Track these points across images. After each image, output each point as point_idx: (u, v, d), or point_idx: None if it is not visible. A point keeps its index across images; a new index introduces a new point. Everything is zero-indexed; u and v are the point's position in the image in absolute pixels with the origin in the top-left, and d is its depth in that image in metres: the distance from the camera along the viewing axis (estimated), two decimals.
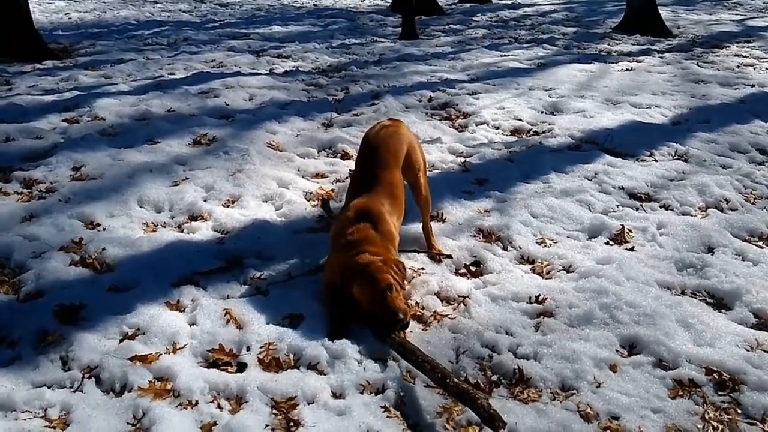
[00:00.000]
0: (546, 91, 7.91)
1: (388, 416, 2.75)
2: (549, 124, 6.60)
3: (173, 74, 8.98)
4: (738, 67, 9.43)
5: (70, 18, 15.18)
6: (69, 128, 6.22)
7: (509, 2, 18.78)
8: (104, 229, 4.27)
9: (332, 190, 4.99)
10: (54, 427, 2.64)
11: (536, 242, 4.23)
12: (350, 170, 5.26)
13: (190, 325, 3.30)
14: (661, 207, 4.75)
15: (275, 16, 15.72)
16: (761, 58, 10.08)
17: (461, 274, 3.89)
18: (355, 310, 3.30)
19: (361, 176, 3.85)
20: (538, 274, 3.89)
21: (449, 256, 3.99)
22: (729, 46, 11.20)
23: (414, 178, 4.04)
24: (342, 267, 3.35)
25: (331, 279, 3.44)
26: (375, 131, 4.05)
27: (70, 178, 5.06)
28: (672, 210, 4.70)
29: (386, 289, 3.18)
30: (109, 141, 5.88)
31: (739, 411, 2.79)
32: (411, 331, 3.28)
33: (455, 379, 2.78)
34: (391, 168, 3.85)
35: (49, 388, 2.85)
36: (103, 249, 3.96)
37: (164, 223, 4.45)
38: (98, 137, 5.96)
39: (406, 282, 3.52)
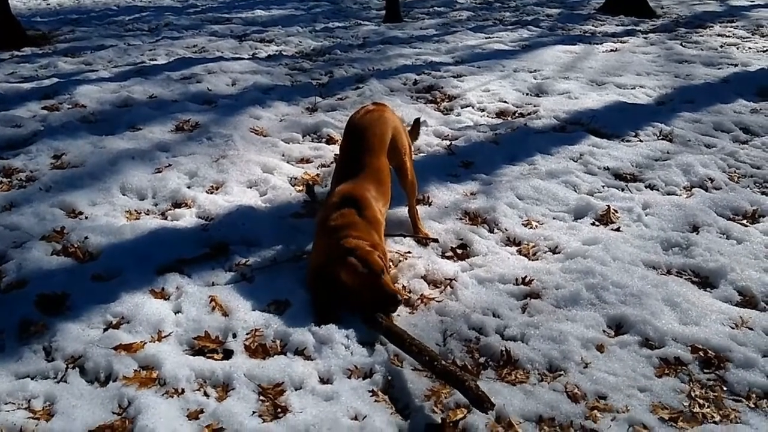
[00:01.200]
0: (531, 72, 7.89)
1: (376, 400, 2.75)
2: (534, 106, 6.58)
3: (155, 60, 8.87)
4: (721, 46, 9.45)
5: (48, 4, 14.95)
6: (49, 116, 6.13)
7: None
8: (86, 218, 4.21)
9: (317, 175, 4.96)
10: (38, 419, 2.61)
11: (522, 224, 4.22)
12: (335, 155, 5.22)
13: (175, 313, 3.27)
14: (646, 187, 4.75)
15: (258, 1, 15.55)
16: (744, 38, 10.10)
17: (448, 257, 3.88)
18: (341, 294, 3.28)
19: (347, 161, 3.82)
20: (525, 255, 3.89)
21: (435, 240, 3.97)
22: (712, 26, 11.21)
23: (399, 162, 4.01)
24: (329, 251, 3.33)
25: (317, 264, 3.41)
26: (360, 116, 4.01)
27: (50, 167, 4.99)
28: (657, 190, 4.71)
29: (380, 273, 3.17)
30: (90, 128, 5.80)
31: (725, 388, 2.81)
32: (398, 315, 3.27)
33: (442, 362, 2.78)
34: (377, 153, 3.81)
35: (32, 379, 2.82)
36: (86, 237, 3.91)
37: (147, 210, 4.40)
38: (79, 125, 5.88)
39: (389, 267, 3.51)
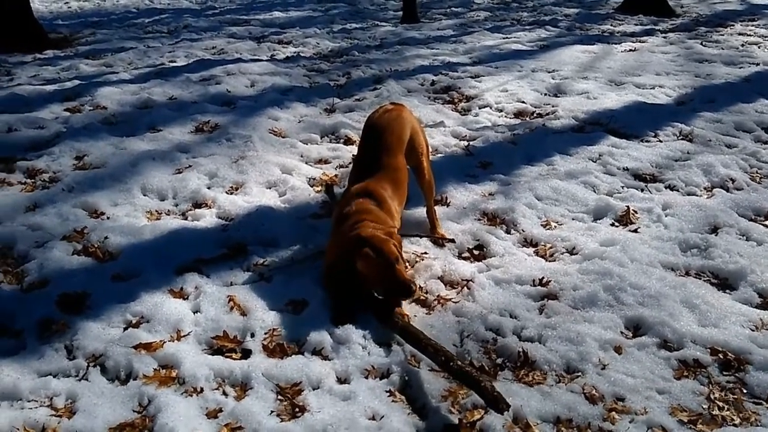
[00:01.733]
0: (549, 72, 7.85)
1: (393, 400, 2.76)
2: (552, 106, 6.55)
3: (174, 62, 8.95)
4: (742, 45, 9.34)
5: (69, 7, 15.13)
6: (71, 117, 6.20)
7: None
8: (108, 218, 4.27)
9: (335, 175, 4.98)
10: (60, 416, 2.65)
11: (541, 225, 4.21)
12: (353, 156, 5.24)
13: (194, 313, 3.30)
14: (666, 188, 4.72)
15: (276, 2, 15.62)
16: (766, 37, 9.98)
17: (465, 258, 3.89)
18: (357, 287, 3.29)
19: (364, 161, 3.84)
20: (542, 256, 3.88)
21: (452, 240, 3.97)
22: (733, 25, 11.09)
23: (417, 162, 4.02)
24: (345, 240, 3.34)
25: (332, 260, 3.43)
26: (378, 115, 4.03)
27: (72, 168, 5.05)
28: (677, 190, 4.67)
29: (394, 262, 3.18)
30: (111, 129, 5.86)
31: (745, 391, 2.78)
32: (415, 316, 3.29)
33: (459, 362, 2.79)
34: (394, 152, 3.83)
35: (54, 377, 2.86)
36: (106, 238, 3.96)
37: (168, 210, 4.45)
38: (100, 126, 5.95)
39: (408, 264, 3.53)
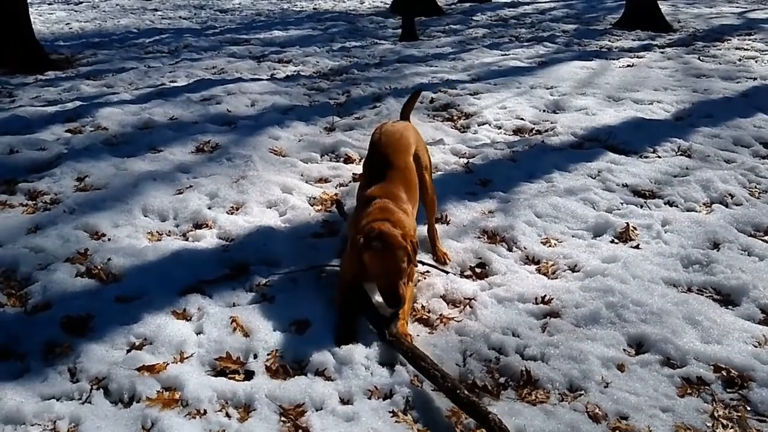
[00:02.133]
0: (547, 89, 7.90)
1: (396, 421, 2.75)
2: (551, 123, 6.59)
3: (175, 82, 9.00)
4: (740, 60, 9.41)
5: (70, 28, 15.23)
6: (72, 139, 6.23)
7: (509, 1, 18.77)
8: (109, 240, 4.28)
9: (336, 194, 4.99)
10: None
11: (541, 242, 4.23)
12: (353, 174, 5.27)
13: (197, 334, 3.30)
14: (665, 204, 4.74)
15: (275, 21, 15.74)
16: (763, 51, 10.05)
17: (467, 276, 3.89)
18: (365, 299, 3.35)
19: (375, 166, 3.83)
20: (544, 274, 3.89)
21: (446, 272, 3.91)
22: (730, 40, 11.17)
23: (421, 176, 4.02)
24: (360, 230, 3.35)
25: (346, 276, 3.46)
26: (387, 125, 4.12)
27: (74, 189, 5.07)
28: (676, 206, 4.69)
29: (400, 267, 3.20)
30: (112, 150, 5.89)
31: (749, 408, 2.78)
32: (418, 335, 3.29)
33: (465, 392, 2.77)
34: (405, 156, 3.87)
35: (57, 400, 2.86)
36: (109, 259, 3.97)
37: (169, 231, 4.46)
38: (101, 147, 5.98)
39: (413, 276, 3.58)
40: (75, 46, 12.50)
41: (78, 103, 7.58)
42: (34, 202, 4.89)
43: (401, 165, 3.80)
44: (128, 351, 3.16)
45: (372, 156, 3.97)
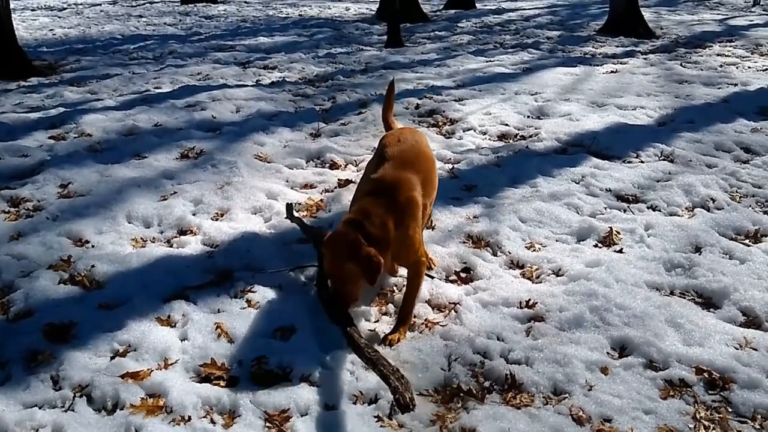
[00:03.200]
0: (532, 95, 7.95)
1: (381, 426, 2.75)
2: (535, 129, 6.63)
3: (159, 88, 8.97)
4: (721, 66, 9.52)
5: (54, 34, 15.14)
6: (55, 145, 6.20)
7: (493, 7, 18.90)
8: (93, 246, 4.25)
9: (321, 200, 4.99)
10: None
11: (525, 247, 4.25)
12: (338, 180, 5.27)
13: (182, 340, 3.29)
14: (648, 208, 4.78)
15: (261, 28, 15.74)
16: (743, 57, 10.18)
17: (451, 281, 3.90)
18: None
19: (387, 152, 3.64)
20: (528, 278, 3.91)
21: (431, 277, 3.87)
22: (712, 46, 11.31)
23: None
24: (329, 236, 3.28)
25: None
26: (399, 128, 4.15)
27: (57, 196, 5.04)
28: (659, 211, 4.73)
29: (340, 278, 3.19)
30: (96, 157, 5.86)
31: (730, 410, 2.81)
32: (400, 341, 3.29)
33: (375, 356, 2.90)
34: (419, 149, 3.78)
35: (40, 408, 2.83)
36: (92, 266, 3.95)
37: (153, 238, 4.44)
38: (85, 154, 5.95)
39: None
40: (58, 52, 12.43)
41: (61, 109, 7.54)
42: (16, 209, 4.85)
43: (413, 154, 3.66)
44: (112, 358, 3.14)
45: (379, 154, 3.76)
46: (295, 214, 4.56)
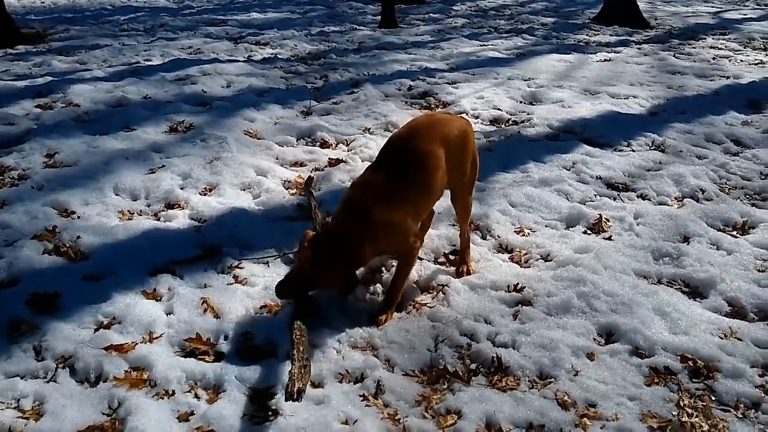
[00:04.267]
0: (525, 80, 7.92)
1: (366, 405, 2.75)
2: (528, 114, 6.61)
3: (149, 60, 8.86)
4: (714, 59, 9.52)
5: (42, 2, 14.90)
6: (42, 114, 6.11)
7: None
8: (79, 217, 4.20)
9: (311, 177, 4.96)
10: (27, 418, 2.61)
11: (515, 231, 4.24)
12: (329, 159, 5.23)
13: (167, 314, 3.27)
14: (638, 197, 4.78)
15: (253, 3, 15.55)
16: (736, 50, 10.18)
17: (440, 263, 3.89)
18: None
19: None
20: (517, 262, 3.91)
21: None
22: (705, 38, 11.29)
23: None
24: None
25: None
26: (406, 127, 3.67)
27: (43, 165, 4.97)
28: (649, 200, 4.74)
29: (307, 268, 3.18)
30: (83, 128, 5.78)
31: (713, 398, 2.82)
32: (386, 322, 3.28)
33: (293, 354, 2.80)
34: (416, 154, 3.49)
35: (22, 378, 2.82)
36: (78, 237, 3.90)
37: (140, 211, 4.39)
38: (72, 124, 5.87)
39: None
40: (47, 20, 12.25)
41: (49, 78, 7.43)
42: (1, 177, 4.78)
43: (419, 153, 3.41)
44: (96, 330, 3.12)
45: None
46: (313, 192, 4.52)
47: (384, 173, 3.35)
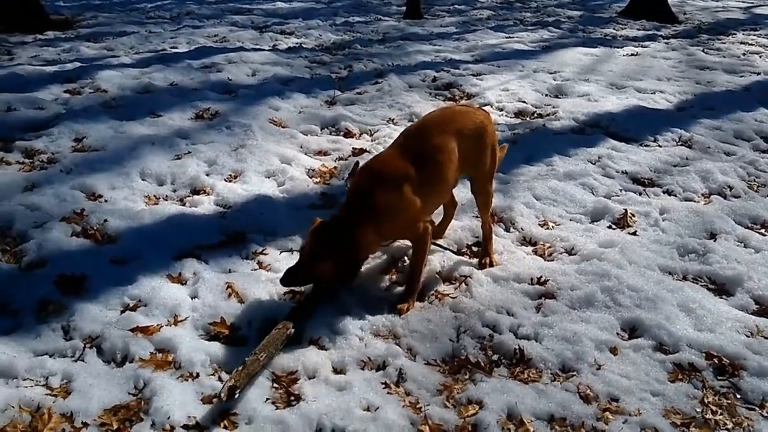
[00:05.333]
0: (550, 74, 7.86)
1: (388, 392, 2.76)
2: (553, 107, 6.56)
3: (176, 48, 8.92)
4: (744, 54, 9.38)
5: None
6: (71, 99, 6.19)
7: None
8: (106, 201, 4.25)
9: (334, 167, 4.97)
10: (55, 396, 2.65)
11: (539, 224, 4.22)
12: (353, 149, 5.24)
13: (192, 298, 3.30)
14: (664, 192, 4.73)
15: None
16: (767, 47, 10.02)
17: (463, 254, 3.89)
18: None
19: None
20: (540, 255, 3.89)
21: (451, 250, 3.88)
22: (735, 34, 11.13)
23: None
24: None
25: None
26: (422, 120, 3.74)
27: (71, 149, 5.04)
28: (675, 195, 4.69)
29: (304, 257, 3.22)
30: (111, 113, 5.84)
31: (738, 396, 2.80)
32: (410, 311, 3.29)
33: (255, 353, 2.79)
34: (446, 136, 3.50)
35: (50, 356, 2.86)
36: (105, 220, 3.95)
37: (166, 196, 4.44)
38: (100, 109, 5.93)
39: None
40: (75, 7, 12.37)
41: (77, 64, 7.52)
42: (30, 160, 4.85)
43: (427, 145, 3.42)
44: (122, 312, 3.16)
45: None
46: None
47: (391, 161, 3.35)
